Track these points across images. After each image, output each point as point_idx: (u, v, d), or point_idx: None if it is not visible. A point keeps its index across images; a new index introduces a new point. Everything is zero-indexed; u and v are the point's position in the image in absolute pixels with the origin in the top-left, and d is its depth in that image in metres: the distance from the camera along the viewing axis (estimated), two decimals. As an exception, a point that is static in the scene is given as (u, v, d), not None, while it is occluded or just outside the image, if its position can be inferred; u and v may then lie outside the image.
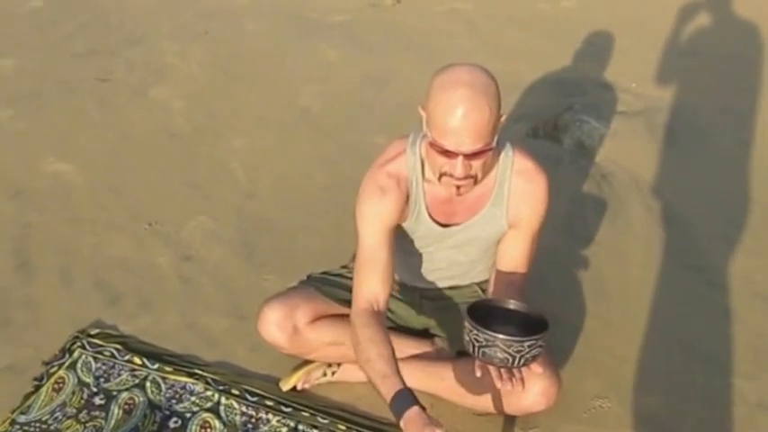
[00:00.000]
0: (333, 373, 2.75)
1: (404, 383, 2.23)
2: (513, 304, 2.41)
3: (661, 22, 5.19)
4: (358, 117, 4.40)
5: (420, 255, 2.65)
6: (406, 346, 2.73)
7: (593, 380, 2.77)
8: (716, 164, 3.92)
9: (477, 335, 2.24)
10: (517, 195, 2.48)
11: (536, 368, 2.32)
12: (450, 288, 2.75)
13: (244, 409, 2.66)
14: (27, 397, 2.73)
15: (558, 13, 5.49)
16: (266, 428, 2.60)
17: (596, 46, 4.98)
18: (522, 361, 2.24)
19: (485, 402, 2.57)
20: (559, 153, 4.00)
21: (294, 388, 2.73)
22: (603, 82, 4.62)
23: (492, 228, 2.53)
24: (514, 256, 2.57)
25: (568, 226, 3.49)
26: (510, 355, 2.22)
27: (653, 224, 3.51)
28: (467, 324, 2.28)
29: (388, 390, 2.22)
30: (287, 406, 2.67)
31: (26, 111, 4.47)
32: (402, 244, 2.60)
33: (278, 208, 3.67)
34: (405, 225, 2.54)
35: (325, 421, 2.61)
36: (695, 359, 2.85)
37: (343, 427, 2.59)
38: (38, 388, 2.76)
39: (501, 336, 2.21)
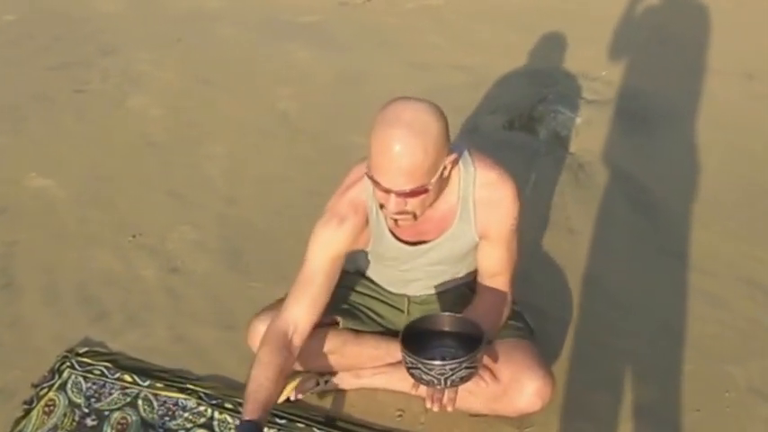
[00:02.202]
0: (326, 382, 2.75)
1: (257, 415, 2.27)
2: (448, 323, 2.40)
3: (627, 11, 5.21)
4: (336, 117, 4.40)
5: (399, 271, 2.67)
6: (396, 351, 2.71)
7: (584, 373, 2.79)
8: (690, 149, 3.94)
9: (404, 356, 2.27)
10: (484, 208, 2.47)
11: (483, 374, 2.37)
12: (439, 293, 2.75)
13: (238, 423, 2.65)
14: (18, 422, 2.71)
15: (526, 6, 5.49)
16: (262, 441, 2.60)
17: (565, 37, 4.99)
18: (449, 383, 2.24)
19: (479, 404, 2.58)
20: (536, 144, 4.02)
21: (287, 399, 2.72)
22: (574, 72, 4.64)
23: (462, 242, 2.54)
24: (492, 264, 2.59)
25: (549, 218, 3.51)
26: (434, 377, 2.23)
27: (633, 212, 3.54)
28: (400, 345, 2.29)
29: (245, 413, 2.29)
30: (281, 418, 2.66)
31: (4, 125, 4.47)
32: (380, 261, 2.64)
33: (260, 213, 3.67)
34: (371, 249, 2.57)
35: (321, 431, 2.61)
36: (684, 346, 2.88)
37: (339, 438, 2.60)
38: (28, 411, 2.74)
39: (423, 360, 2.23)
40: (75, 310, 3.19)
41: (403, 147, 2.17)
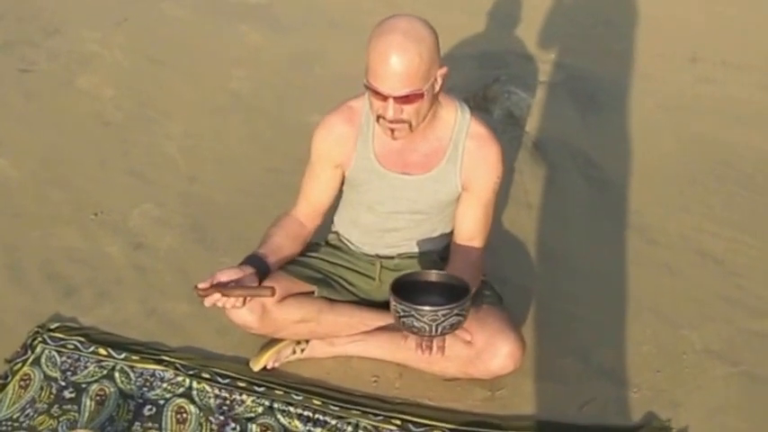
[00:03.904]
0: (302, 351, 2.81)
1: (261, 255, 2.64)
2: (436, 275, 2.51)
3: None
4: (290, 97, 4.42)
5: (379, 216, 2.76)
6: (370, 320, 2.81)
7: (550, 340, 2.89)
8: (639, 128, 4.08)
9: (395, 305, 2.35)
10: (471, 158, 2.62)
11: (464, 335, 2.52)
12: (410, 257, 2.83)
13: (217, 391, 2.69)
14: (-6, 396, 2.71)
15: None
16: (242, 409, 2.64)
17: (513, 20, 5.08)
18: (440, 329, 2.33)
19: (453, 368, 2.67)
20: (491, 124, 4.02)
21: (264, 367, 2.77)
22: (524, 54, 4.74)
23: (446, 188, 2.65)
24: (469, 226, 2.70)
25: (508, 194, 3.60)
26: (426, 324, 2.31)
27: (589, 189, 3.66)
28: (390, 296, 2.37)
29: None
30: (259, 386, 2.71)
31: (-50, 108, 4.38)
32: (362, 202, 2.75)
33: (223, 191, 3.69)
34: (353, 169, 2.69)
35: (300, 398, 2.66)
36: (643, 312, 3.01)
37: (318, 402, 2.65)
38: (3, 386, 2.73)
39: (416, 306, 2.31)
40: (42, 288, 3.17)
41: (400, 51, 2.33)
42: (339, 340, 2.81)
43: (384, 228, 2.80)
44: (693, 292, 3.10)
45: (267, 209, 3.53)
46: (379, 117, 2.48)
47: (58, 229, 3.47)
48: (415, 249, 2.83)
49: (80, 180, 3.77)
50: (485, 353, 2.60)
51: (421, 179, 2.66)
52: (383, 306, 2.84)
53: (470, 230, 2.71)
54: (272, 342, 2.79)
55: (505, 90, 4.32)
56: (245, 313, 2.62)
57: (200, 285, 2.50)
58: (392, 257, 2.83)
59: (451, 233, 2.78)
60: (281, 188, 3.64)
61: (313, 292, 2.74)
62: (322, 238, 2.94)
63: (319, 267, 2.82)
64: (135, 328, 2.99)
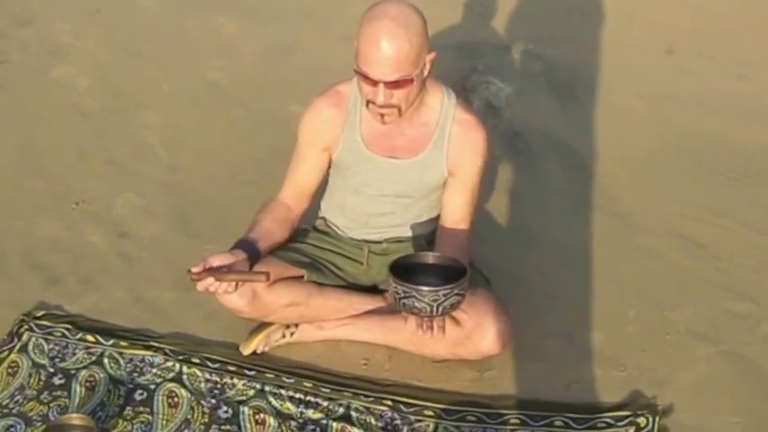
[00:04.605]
0: (291, 334, 2.82)
1: (248, 240, 2.65)
2: (432, 257, 2.55)
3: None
4: (267, 87, 4.42)
5: (367, 199, 2.77)
6: (359, 303, 2.82)
7: (536, 322, 2.92)
8: (617, 117, 4.12)
9: (396, 287, 2.38)
10: (457, 143, 2.64)
11: (460, 315, 2.55)
12: (397, 241, 2.85)
13: (207, 376, 2.70)
14: (-18, 384, 2.69)
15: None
16: (233, 393, 2.64)
17: (489, 11, 5.11)
18: (441, 309, 2.37)
19: (443, 349, 2.70)
20: (472, 113, 4.13)
21: (254, 352, 2.78)
22: (500, 45, 4.77)
23: (432, 173, 2.68)
24: (455, 210, 2.73)
25: (491, 182, 3.63)
26: (427, 304, 2.35)
27: (569, 176, 3.70)
28: (389, 278, 2.40)
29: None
30: (250, 369, 2.72)
31: (-76, 101, 4.33)
32: (347, 184, 2.77)
33: (205, 181, 3.69)
34: (340, 152, 2.70)
35: (291, 381, 2.67)
36: (626, 295, 3.05)
37: (309, 385, 2.66)
38: (-9, 374, 2.73)
39: (418, 286, 2.34)
40: (26, 277, 3.16)
41: (390, 37, 2.37)
42: (328, 324, 2.82)
43: (370, 212, 2.81)
44: (675, 275, 3.14)
45: (249, 198, 3.53)
46: (368, 102, 2.50)
47: (40, 219, 3.45)
48: (402, 234, 2.84)
49: (60, 170, 3.76)
50: (474, 334, 2.63)
51: (407, 163, 2.68)
52: (371, 290, 2.89)
53: (457, 214, 2.73)
54: (261, 326, 2.80)
55: (484, 80, 4.35)
56: (235, 298, 2.63)
57: (193, 269, 2.49)
58: (379, 242, 2.85)
59: (438, 218, 2.80)
60: (262, 177, 3.65)
61: (302, 277, 2.75)
62: (310, 225, 2.95)
63: (307, 252, 2.83)
64: (122, 315, 2.98)
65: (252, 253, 2.60)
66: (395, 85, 2.42)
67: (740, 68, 4.51)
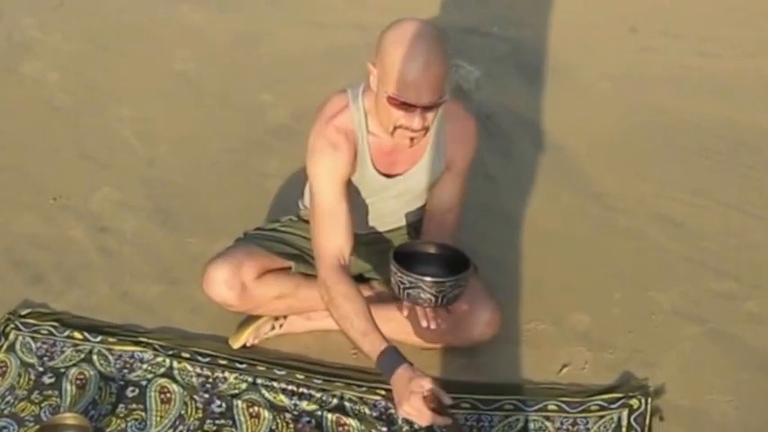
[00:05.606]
0: (280, 326, 2.83)
1: (386, 340, 2.34)
2: (435, 247, 2.56)
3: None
4: (238, 77, 4.42)
5: (361, 206, 2.73)
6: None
7: (521, 306, 2.96)
8: (586, 97, 4.17)
9: (401, 277, 2.39)
10: (451, 138, 2.62)
11: (461, 305, 2.51)
12: (384, 231, 2.85)
13: (198, 370, 2.70)
14: (-30, 385, 2.67)
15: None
16: (225, 386, 2.65)
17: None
18: (446, 300, 2.40)
19: (433, 337, 2.71)
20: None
21: (244, 345, 2.78)
22: (466, 28, 4.78)
23: (431, 173, 2.65)
24: (447, 199, 2.72)
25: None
26: (433, 295, 2.37)
27: (543, 158, 3.74)
28: (393, 268, 2.41)
29: (372, 347, 2.34)
30: (241, 363, 2.72)
31: None
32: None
33: (182, 173, 3.67)
34: (352, 179, 2.62)
35: (282, 373, 2.68)
36: (610, 277, 3.09)
37: (301, 376, 2.67)
38: (-21, 375, 2.71)
39: (425, 278, 2.35)
40: (8, 275, 3.13)
41: (431, 58, 2.26)
42: (317, 315, 2.82)
43: (365, 219, 2.78)
44: (657, 256, 3.19)
45: (227, 189, 3.56)
46: (396, 128, 2.38)
47: (18, 216, 3.43)
48: (388, 225, 2.84)
49: (35, 166, 3.73)
50: (465, 321, 2.64)
51: (409, 174, 2.65)
52: (358, 279, 2.89)
53: (448, 203, 2.72)
54: (250, 319, 2.80)
55: (453, 64, 4.35)
56: (224, 290, 2.63)
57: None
58: (366, 233, 2.85)
59: (424, 207, 2.79)
60: (237, 167, 3.67)
61: (290, 268, 2.75)
62: (294, 214, 2.94)
63: (294, 243, 2.83)
64: (108, 311, 2.97)
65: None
66: (431, 108, 2.34)
67: (703, 46, 4.58)
